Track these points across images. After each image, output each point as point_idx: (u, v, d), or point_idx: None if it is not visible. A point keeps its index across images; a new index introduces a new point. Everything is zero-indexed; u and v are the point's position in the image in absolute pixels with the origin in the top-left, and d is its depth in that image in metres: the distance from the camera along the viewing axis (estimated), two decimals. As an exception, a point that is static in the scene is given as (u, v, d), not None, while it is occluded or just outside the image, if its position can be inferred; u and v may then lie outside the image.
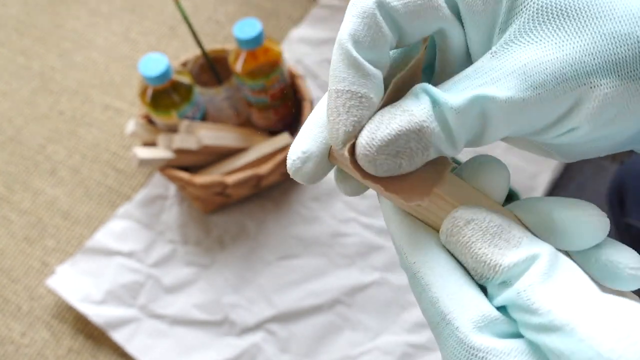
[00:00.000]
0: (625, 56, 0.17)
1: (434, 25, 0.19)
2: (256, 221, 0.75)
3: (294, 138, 0.73)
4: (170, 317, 0.70)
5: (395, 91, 0.19)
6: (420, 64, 0.20)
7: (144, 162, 0.67)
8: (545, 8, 0.17)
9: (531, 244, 0.18)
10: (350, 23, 0.18)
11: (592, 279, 0.19)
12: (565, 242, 0.19)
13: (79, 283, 0.72)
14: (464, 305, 0.18)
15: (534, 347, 0.17)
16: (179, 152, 0.70)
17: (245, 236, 0.75)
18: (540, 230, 0.19)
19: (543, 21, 0.17)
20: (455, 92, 0.17)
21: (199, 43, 0.70)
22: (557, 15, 0.17)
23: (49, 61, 0.94)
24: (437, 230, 0.20)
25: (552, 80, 0.17)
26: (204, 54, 0.72)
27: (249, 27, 0.66)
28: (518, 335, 0.17)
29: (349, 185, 0.20)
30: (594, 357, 0.15)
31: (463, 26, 0.19)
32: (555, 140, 0.19)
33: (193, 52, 0.77)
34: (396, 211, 0.20)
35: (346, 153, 0.18)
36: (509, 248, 0.17)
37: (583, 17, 0.17)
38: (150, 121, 0.73)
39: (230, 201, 0.76)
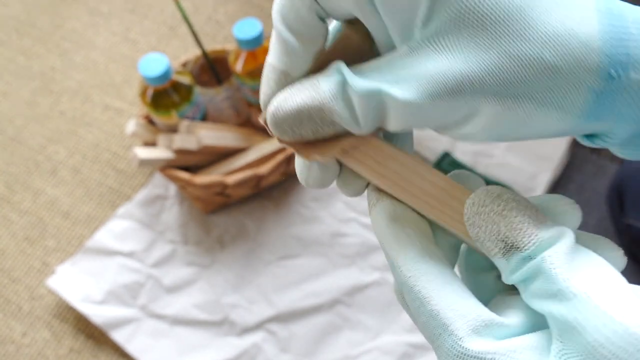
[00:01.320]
0: (525, 77, 0.18)
1: (347, 10, 0.20)
2: (256, 221, 0.76)
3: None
4: (171, 317, 0.70)
5: (318, 67, 0.20)
6: (345, 43, 0.21)
7: (144, 162, 0.67)
8: (466, 12, 0.17)
9: (556, 223, 0.18)
10: (278, 1, 0.20)
11: None
12: None
13: (79, 283, 0.72)
14: (465, 315, 0.17)
15: (537, 340, 0.17)
16: (179, 152, 0.70)
17: (245, 236, 0.75)
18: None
19: (461, 26, 0.18)
20: (363, 78, 0.18)
21: (199, 43, 0.70)
22: (474, 23, 0.18)
23: (49, 61, 0.94)
24: (440, 225, 0.20)
25: (450, 94, 0.18)
26: (204, 54, 0.72)
27: (249, 27, 0.66)
28: (520, 334, 0.18)
29: (349, 187, 0.21)
30: (608, 323, 0.15)
31: (381, 21, 0.20)
32: (462, 132, 0.19)
33: (193, 52, 0.77)
34: (388, 224, 0.20)
35: (261, 120, 0.20)
36: (540, 222, 0.18)
37: (497, 31, 0.17)
38: (150, 121, 0.73)
39: (230, 201, 0.76)
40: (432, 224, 0.21)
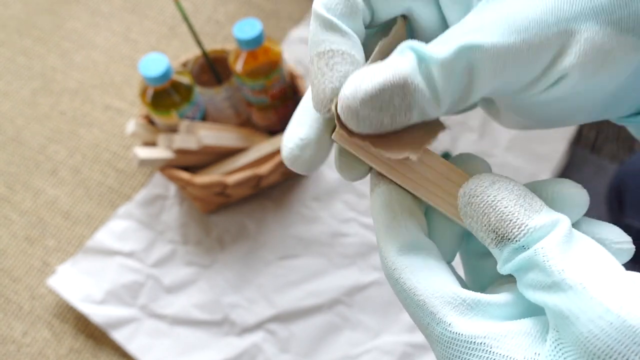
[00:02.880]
0: (602, 2, 0.17)
1: (405, 3, 0.19)
2: (256, 221, 0.76)
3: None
4: (171, 317, 0.70)
5: (380, 55, 0.19)
6: (402, 35, 0.20)
7: (144, 162, 0.67)
8: None
9: (551, 211, 0.18)
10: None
11: None
12: None
13: (79, 283, 0.72)
14: (450, 301, 0.17)
15: (532, 326, 0.17)
16: (179, 152, 0.70)
17: (245, 236, 0.75)
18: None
19: None
20: (441, 45, 0.17)
21: (199, 43, 0.70)
22: None
23: (49, 61, 0.94)
24: (432, 204, 0.20)
25: (534, 26, 0.17)
26: (204, 54, 0.72)
27: (249, 27, 0.66)
28: (514, 318, 0.17)
29: (351, 170, 0.20)
30: (603, 314, 0.15)
31: (439, 6, 0.20)
32: (543, 96, 0.19)
33: (193, 52, 0.77)
34: (381, 211, 0.20)
35: (333, 108, 0.18)
36: (532, 211, 0.17)
37: None
38: (150, 121, 0.74)
39: (230, 201, 0.76)
40: (433, 209, 0.20)
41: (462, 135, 0.78)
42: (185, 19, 0.68)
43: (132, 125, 0.70)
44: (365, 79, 0.17)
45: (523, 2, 0.17)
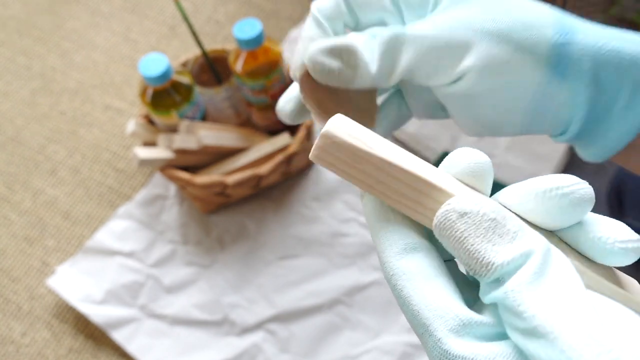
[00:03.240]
0: (502, 26, 0.24)
1: (378, 14, 0.26)
2: (256, 221, 0.76)
3: (294, 138, 0.73)
4: (171, 317, 0.70)
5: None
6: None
7: (144, 162, 0.67)
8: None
9: (525, 238, 0.17)
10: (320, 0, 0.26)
11: (585, 256, 0.19)
12: (549, 223, 0.19)
13: (79, 283, 0.72)
14: (443, 315, 0.17)
15: (520, 350, 0.16)
16: (179, 152, 0.70)
17: (245, 236, 0.75)
18: (525, 214, 0.19)
19: (455, 4, 0.25)
20: (385, 31, 0.25)
21: (199, 43, 0.70)
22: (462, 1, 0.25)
23: (49, 61, 0.94)
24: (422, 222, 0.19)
25: (447, 31, 0.24)
26: (204, 54, 0.72)
27: (249, 27, 0.66)
28: (504, 337, 0.17)
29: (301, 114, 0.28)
30: None
31: (402, 18, 0.26)
32: (452, 89, 0.25)
33: (193, 52, 0.77)
34: (374, 216, 0.20)
35: (305, 63, 0.25)
36: (502, 244, 0.17)
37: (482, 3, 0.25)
38: (150, 121, 0.73)
39: (230, 201, 0.76)
40: None
41: (462, 134, 0.78)
42: (185, 19, 0.67)
43: (132, 125, 0.70)
44: (328, 39, 0.24)
45: (448, 14, 0.25)
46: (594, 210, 0.69)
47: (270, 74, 0.70)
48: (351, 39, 0.24)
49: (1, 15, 1.00)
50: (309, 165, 0.79)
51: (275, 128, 0.78)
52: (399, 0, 0.26)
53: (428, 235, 0.20)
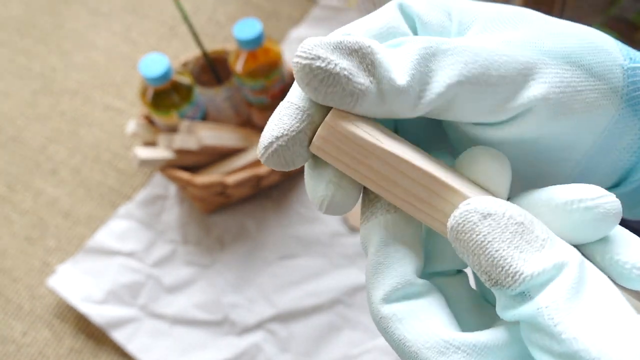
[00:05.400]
0: (573, 47, 0.18)
1: (387, 37, 0.19)
2: (256, 221, 0.76)
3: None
4: (171, 316, 0.70)
5: None
6: None
7: (144, 162, 0.67)
8: (493, 19, 0.18)
9: (556, 248, 0.15)
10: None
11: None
12: (569, 237, 0.16)
13: (79, 283, 0.72)
14: (444, 351, 0.16)
15: None
16: (180, 152, 0.70)
17: (245, 236, 0.75)
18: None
19: (494, 27, 0.18)
20: (415, 42, 0.18)
21: (199, 43, 0.70)
22: (504, 23, 0.18)
23: (50, 62, 0.94)
24: (432, 224, 0.17)
25: (508, 44, 0.17)
26: (204, 54, 0.72)
27: (249, 28, 0.66)
28: (514, 358, 0.16)
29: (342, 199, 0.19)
30: None
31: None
32: (498, 132, 0.18)
33: (193, 52, 0.77)
34: (374, 246, 0.18)
35: (292, 63, 0.17)
36: (531, 251, 0.15)
37: (525, 24, 0.18)
38: (150, 121, 0.74)
39: (230, 201, 0.76)
40: None
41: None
42: (186, 19, 0.68)
43: (132, 126, 0.70)
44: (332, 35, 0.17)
45: (492, 35, 0.18)
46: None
47: (270, 74, 0.70)
48: (365, 38, 0.17)
49: (1, 16, 1.00)
50: (309, 165, 0.79)
51: (276, 128, 0.78)
52: (418, 23, 0.19)
53: (434, 245, 0.19)
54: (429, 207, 0.17)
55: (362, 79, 0.16)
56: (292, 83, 0.18)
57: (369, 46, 0.16)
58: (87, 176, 0.83)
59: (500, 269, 0.15)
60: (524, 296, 0.15)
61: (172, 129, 0.72)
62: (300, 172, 0.78)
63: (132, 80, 0.91)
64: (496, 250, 0.15)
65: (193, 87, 0.70)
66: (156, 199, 0.78)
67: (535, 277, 0.14)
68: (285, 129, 0.17)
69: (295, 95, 0.17)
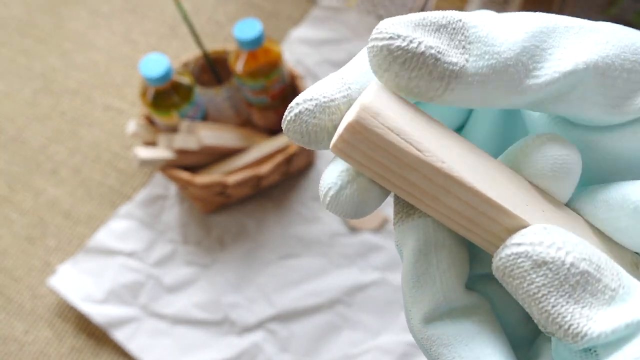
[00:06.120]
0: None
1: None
2: (256, 221, 0.76)
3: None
4: (171, 316, 0.70)
5: None
6: None
7: (144, 162, 0.67)
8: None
9: (632, 301, 0.12)
10: None
11: None
12: None
13: (80, 282, 0.73)
14: None
15: None
16: (180, 152, 0.70)
17: (246, 236, 0.75)
18: (612, 233, 0.14)
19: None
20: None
21: (199, 43, 0.71)
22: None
23: (50, 62, 0.94)
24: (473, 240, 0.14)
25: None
26: (205, 54, 0.72)
27: (249, 28, 0.67)
28: None
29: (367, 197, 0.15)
30: None
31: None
32: (614, 138, 0.14)
33: (193, 52, 0.78)
34: (412, 255, 0.15)
35: (367, 48, 0.14)
36: (597, 306, 0.12)
37: None
38: (151, 121, 0.74)
39: (230, 201, 0.76)
40: None
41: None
42: (186, 19, 0.68)
43: (132, 126, 0.70)
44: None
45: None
46: None
47: (270, 74, 0.70)
48: (455, 12, 0.13)
49: (2, 16, 1.01)
50: (309, 165, 0.79)
51: (275, 128, 0.78)
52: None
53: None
54: (475, 226, 0.14)
55: (454, 57, 0.13)
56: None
57: (460, 20, 0.13)
58: (88, 176, 0.83)
59: (557, 326, 0.12)
60: (588, 352, 0.12)
61: (172, 129, 0.72)
62: (300, 171, 0.79)
63: (132, 80, 0.91)
64: (552, 306, 0.12)
65: (193, 87, 0.70)
66: (156, 198, 0.79)
67: (603, 339, 0.12)
68: (317, 93, 0.14)
69: (346, 69, 0.15)
